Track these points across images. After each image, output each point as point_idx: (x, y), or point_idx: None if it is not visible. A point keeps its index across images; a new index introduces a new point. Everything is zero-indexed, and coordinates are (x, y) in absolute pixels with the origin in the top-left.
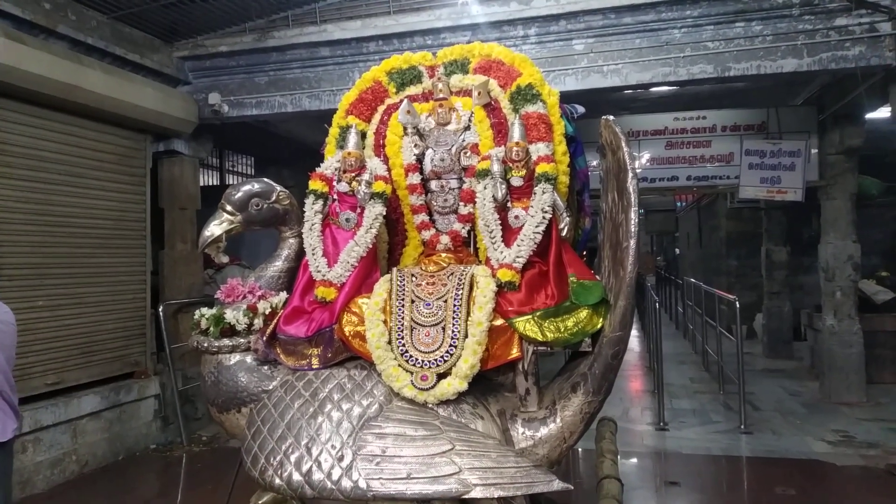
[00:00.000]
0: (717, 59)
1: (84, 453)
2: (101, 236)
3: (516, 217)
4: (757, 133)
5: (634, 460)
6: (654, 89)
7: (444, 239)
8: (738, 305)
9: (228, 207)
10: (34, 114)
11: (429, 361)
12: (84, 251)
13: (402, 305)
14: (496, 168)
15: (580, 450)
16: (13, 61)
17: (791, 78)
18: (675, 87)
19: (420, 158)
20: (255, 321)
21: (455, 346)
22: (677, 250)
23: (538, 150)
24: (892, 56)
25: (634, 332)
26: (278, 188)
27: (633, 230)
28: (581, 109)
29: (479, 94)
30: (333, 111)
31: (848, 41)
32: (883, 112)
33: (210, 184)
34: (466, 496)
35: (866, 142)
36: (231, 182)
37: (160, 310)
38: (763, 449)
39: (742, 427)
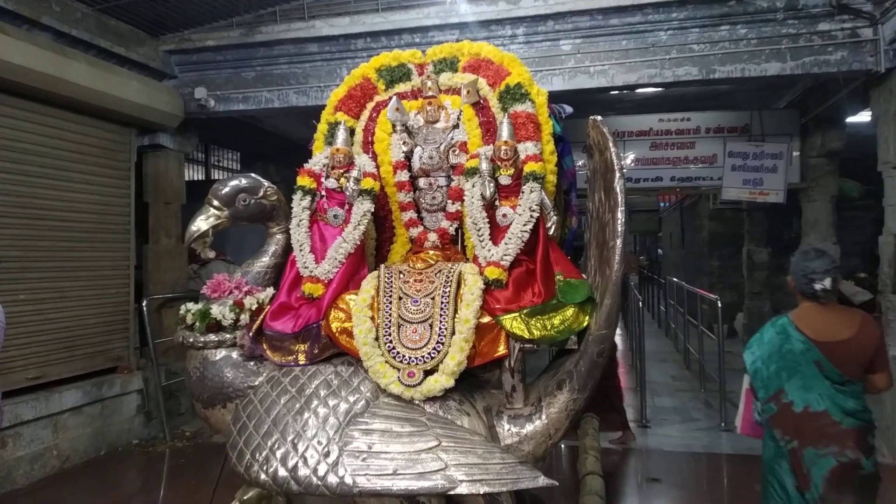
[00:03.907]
0: (702, 61)
1: (65, 448)
2: (85, 230)
3: (504, 215)
4: (740, 135)
5: (616, 457)
6: (639, 90)
7: (432, 236)
8: (719, 305)
9: (215, 202)
10: (17, 105)
11: (416, 358)
12: (67, 245)
13: (390, 302)
14: (485, 166)
15: (563, 446)
16: None
17: (774, 81)
18: (660, 89)
19: (408, 156)
20: (242, 317)
21: (442, 343)
22: (660, 250)
23: (526, 149)
24: (874, 61)
25: (618, 331)
26: (266, 184)
27: (619, 229)
28: (569, 109)
29: (468, 92)
30: (321, 107)
31: (830, 46)
32: (864, 116)
33: (195, 179)
34: (452, 492)
35: (847, 145)
36: (216, 177)
37: (144, 304)
38: (744, 446)
39: (723, 424)
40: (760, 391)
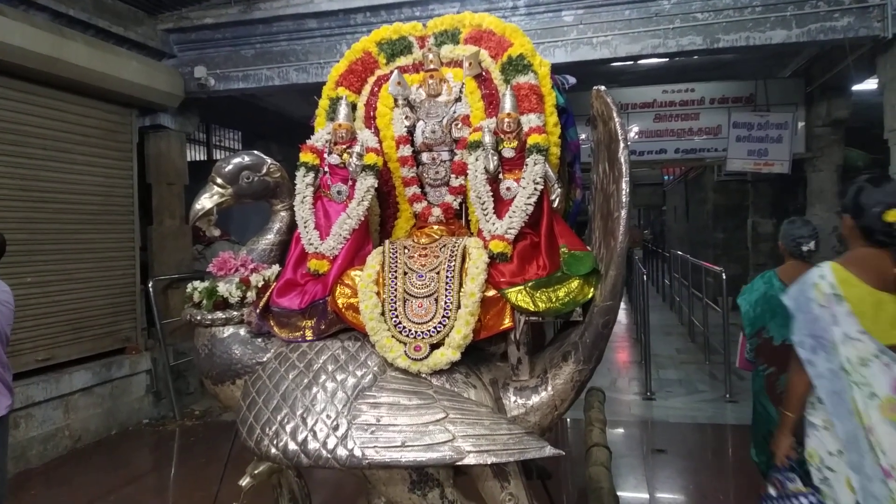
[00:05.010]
0: (706, 30)
1: (77, 428)
2: (89, 212)
3: (508, 188)
4: (745, 105)
5: (622, 429)
6: (643, 62)
7: (436, 211)
8: (724, 277)
9: (219, 180)
10: (16, 87)
11: (422, 332)
12: (72, 227)
13: (395, 277)
14: (488, 139)
15: (569, 419)
16: None
17: (779, 49)
18: (664, 60)
19: (411, 130)
20: (248, 294)
21: (448, 317)
22: (664, 224)
23: (529, 121)
24: (881, 27)
25: (622, 305)
26: (269, 161)
27: (624, 200)
28: (572, 80)
29: (469, 64)
30: (321, 84)
31: (837, 12)
32: (870, 84)
33: (197, 159)
34: (460, 463)
35: (853, 114)
36: (218, 157)
37: (150, 285)
38: (748, 417)
39: (727, 396)
40: (747, 328)
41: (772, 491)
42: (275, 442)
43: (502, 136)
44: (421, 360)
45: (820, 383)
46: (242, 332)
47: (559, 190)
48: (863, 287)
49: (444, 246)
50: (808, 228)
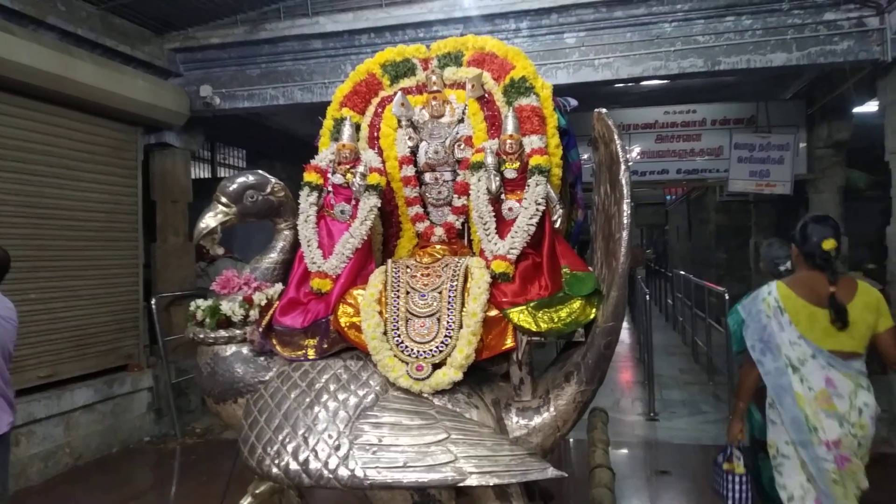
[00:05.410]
0: (707, 52)
1: (78, 446)
2: (93, 229)
3: (510, 209)
4: (746, 127)
5: (625, 450)
6: (644, 83)
7: (439, 231)
8: (727, 297)
9: (223, 199)
10: (24, 105)
11: (424, 352)
12: (76, 244)
13: (398, 296)
14: (490, 160)
15: (572, 440)
16: (2, 52)
17: (780, 72)
18: (665, 81)
19: (414, 151)
20: (251, 312)
21: (450, 337)
22: (667, 243)
23: (532, 142)
24: (880, 50)
25: (625, 325)
26: (273, 180)
27: (625, 221)
28: (574, 102)
29: (472, 86)
30: (325, 104)
31: (836, 35)
32: (871, 106)
33: (202, 177)
34: (462, 484)
35: (854, 135)
36: (223, 175)
37: (153, 302)
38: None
39: (731, 417)
40: (735, 346)
41: (720, 458)
42: (276, 461)
43: (504, 157)
44: (423, 379)
45: (767, 379)
46: (245, 350)
47: (561, 210)
48: (799, 301)
49: (447, 265)
50: (784, 250)
